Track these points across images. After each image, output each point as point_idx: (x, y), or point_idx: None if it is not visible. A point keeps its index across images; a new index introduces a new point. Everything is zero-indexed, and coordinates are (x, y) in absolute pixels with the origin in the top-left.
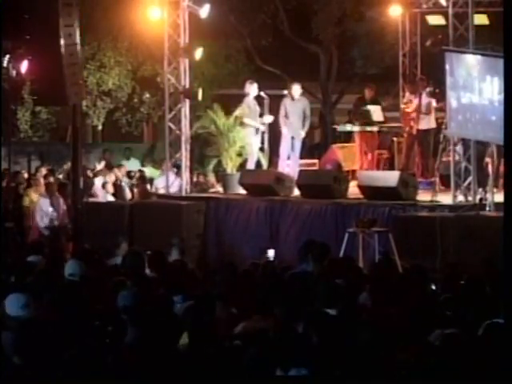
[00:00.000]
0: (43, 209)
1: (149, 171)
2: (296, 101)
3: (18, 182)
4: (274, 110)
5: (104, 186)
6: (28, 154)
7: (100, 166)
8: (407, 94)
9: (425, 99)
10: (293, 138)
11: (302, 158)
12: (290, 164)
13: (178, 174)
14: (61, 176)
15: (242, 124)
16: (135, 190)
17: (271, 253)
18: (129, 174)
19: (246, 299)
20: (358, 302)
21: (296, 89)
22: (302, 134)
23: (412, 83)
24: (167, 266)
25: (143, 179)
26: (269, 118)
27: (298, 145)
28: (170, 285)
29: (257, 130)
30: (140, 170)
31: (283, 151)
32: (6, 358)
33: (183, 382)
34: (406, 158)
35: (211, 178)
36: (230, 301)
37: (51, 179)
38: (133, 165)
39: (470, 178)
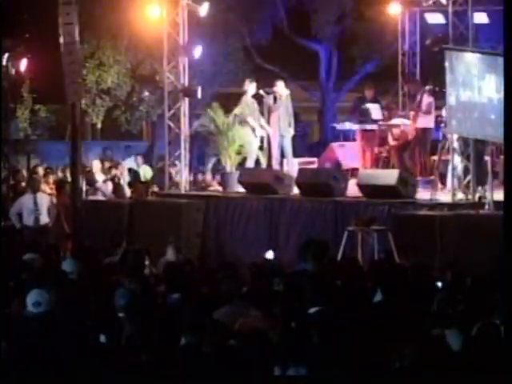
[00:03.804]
0: (27, 206)
1: (143, 170)
2: (283, 98)
3: (18, 180)
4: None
5: (104, 182)
6: (27, 153)
7: (96, 166)
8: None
9: (426, 99)
10: (282, 136)
11: (301, 156)
12: (285, 163)
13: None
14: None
15: (241, 122)
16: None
17: (270, 254)
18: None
19: (246, 298)
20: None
21: (282, 86)
22: (291, 131)
23: (413, 82)
24: (167, 265)
25: (137, 178)
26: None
27: (288, 143)
28: (170, 283)
29: (254, 131)
30: (135, 170)
31: (274, 150)
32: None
33: (182, 381)
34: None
35: (210, 176)
36: (230, 300)
37: (50, 178)
38: (133, 163)
39: (469, 177)
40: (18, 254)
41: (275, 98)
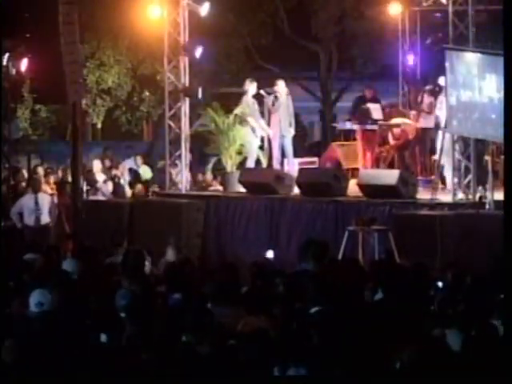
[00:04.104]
0: (28, 206)
1: (142, 171)
2: (283, 98)
3: (18, 180)
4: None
5: (105, 182)
6: (28, 153)
7: (96, 166)
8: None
9: (427, 98)
10: (283, 136)
11: (301, 156)
12: (286, 163)
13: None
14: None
15: (241, 122)
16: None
17: (270, 253)
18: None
19: (246, 298)
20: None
21: (283, 86)
22: (292, 131)
23: (413, 82)
24: (168, 266)
25: (138, 178)
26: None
27: (288, 143)
28: (171, 283)
29: (255, 131)
30: (135, 170)
31: (275, 150)
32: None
33: (182, 381)
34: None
35: (210, 176)
36: (230, 300)
37: (51, 178)
38: (133, 163)
39: (469, 176)
40: (19, 253)
41: (276, 98)
